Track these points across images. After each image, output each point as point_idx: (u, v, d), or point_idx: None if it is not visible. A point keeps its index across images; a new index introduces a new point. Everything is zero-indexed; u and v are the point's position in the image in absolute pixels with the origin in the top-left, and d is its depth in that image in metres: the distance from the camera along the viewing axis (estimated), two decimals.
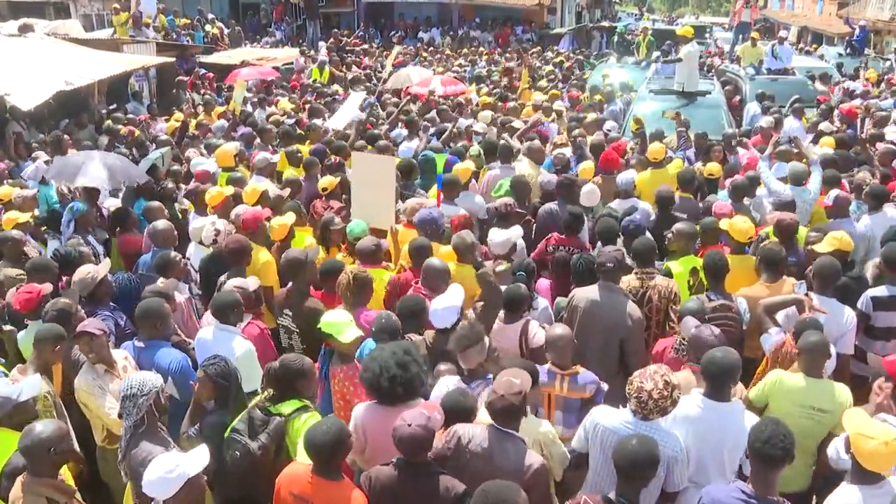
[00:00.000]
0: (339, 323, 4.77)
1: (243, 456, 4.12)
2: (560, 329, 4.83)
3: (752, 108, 13.72)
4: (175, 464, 3.45)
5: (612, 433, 4.04)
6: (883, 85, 17.48)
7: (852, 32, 26.25)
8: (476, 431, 3.93)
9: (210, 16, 27.08)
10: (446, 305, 4.99)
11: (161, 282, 5.80)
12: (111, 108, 14.21)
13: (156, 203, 7.34)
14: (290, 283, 5.89)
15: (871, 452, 3.56)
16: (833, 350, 4.84)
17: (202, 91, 16.34)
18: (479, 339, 4.55)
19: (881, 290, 5.75)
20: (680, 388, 4.00)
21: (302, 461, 3.89)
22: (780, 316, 5.32)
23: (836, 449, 4.01)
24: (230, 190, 7.53)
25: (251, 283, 5.71)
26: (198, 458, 3.54)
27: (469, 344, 4.52)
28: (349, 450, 3.81)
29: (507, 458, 3.81)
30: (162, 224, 6.61)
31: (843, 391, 4.52)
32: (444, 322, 4.94)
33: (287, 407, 4.29)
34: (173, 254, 6.22)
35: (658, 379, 3.93)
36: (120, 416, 4.10)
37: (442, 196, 7.66)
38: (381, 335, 4.80)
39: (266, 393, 4.34)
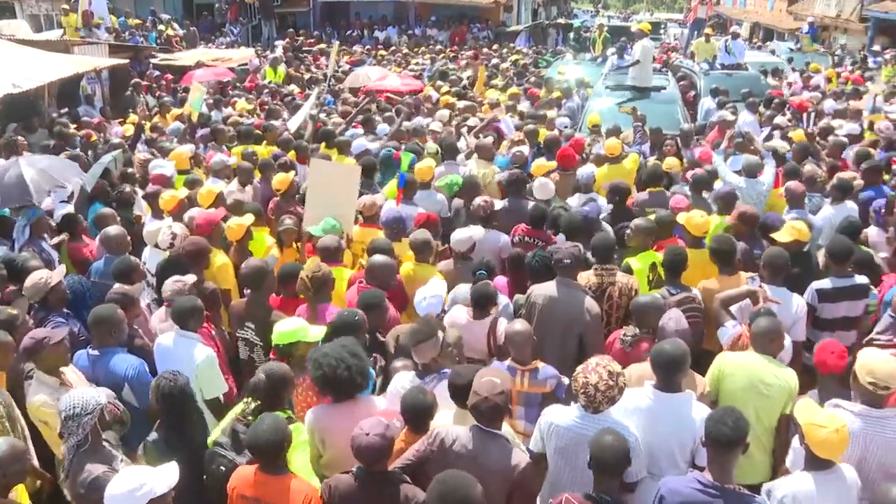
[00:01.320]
0: (297, 329, 4.73)
1: (229, 472, 3.97)
2: (519, 325, 4.86)
3: (707, 102, 13.92)
4: (142, 481, 3.34)
5: (566, 431, 4.08)
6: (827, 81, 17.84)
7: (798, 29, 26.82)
8: (459, 432, 3.91)
9: (165, 16, 26.69)
10: (432, 294, 5.06)
11: (120, 287, 5.67)
12: (63, 111, 13.92)
13: (107, 210, 7.20)
14: (248, 293, 5.83)
15: (822, 441, 3.66)
16: (788, 339, 4.95)
17: (157, 93, 16.13)
18: (432, 333, 4.56)
19: (826, 283, 5.86)
20: (623, 375, 4.06)
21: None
22: (733, 309, 5.40)
23: (792, 457, 4.12)
24: (185, 193, 7.43)
25: (189, 278, 5.64)
26: (166, 476, 3.44)
27: (423, 338, 4.53)
28: (290, 443, 3.79)
29: (492, 458, 3.81)
30: (114, 230, 6.48)
31: (789, 370, 4.62)
32: (430, 311, 5.00)
33: None
34: (134, 259, 6.12)
35: (601, 370, 3.99)
36: (61, 435, 3.95)
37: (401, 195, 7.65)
38: (336, 325, 4.81)
39: (246, 406, 4.23)
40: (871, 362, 4.07)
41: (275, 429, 3.71)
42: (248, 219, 6.64)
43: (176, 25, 25.85)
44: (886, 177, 8.35)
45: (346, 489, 3.72)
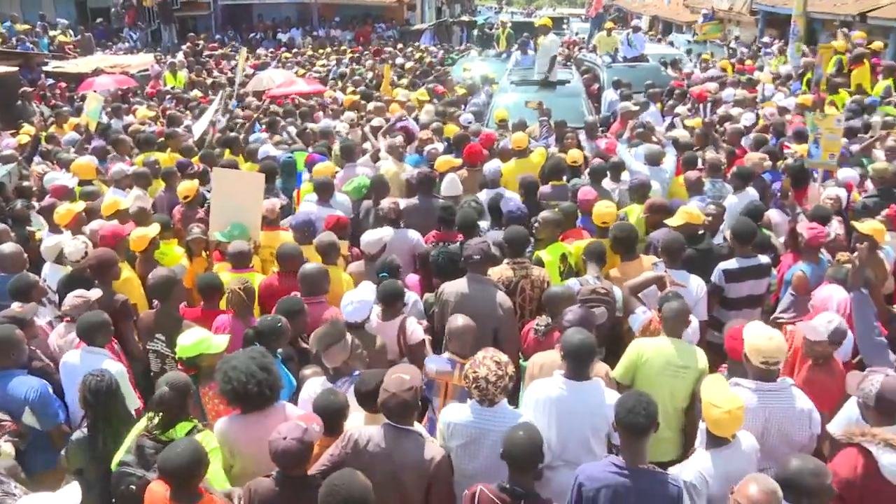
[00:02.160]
0: (199, 342, 4.61)
1: (140, 489, 3.81)
2: (462, 320, 4.88)
3: (609, 94, 14.19)
4: None
5: (464, 428, 4.13)
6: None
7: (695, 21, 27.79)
8: (372, 432, 3.92)
9: (64, 21, 25.57)
10: (359, 299, 5.02)
11: (18, 306, 5.42)
12: None
13: (1, 226, 6.88)
14: (157, 304, 5.68)
15: (716, 420, 3.84)
16: (695, 320, 5.13)
17: (51, 102, 15.49)
18: (340, 336, 4.56)
19: (732, 263, 6.09)
20: (510, 363, 4.17)
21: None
22: (641, 295, 5.55)
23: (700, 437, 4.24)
24: (81, 206, 7.17)
25: (93, 293, 5.47)
26: (68, 500, 3.30)
27: (331, 342, 4.53)
28: (207, 468, 3.66)
29: (407, 454, 3.83)
30: (9, 248, 6.19)
31: (700, 352, 4.84)
32: (357, 316, 4.99)
33: (180, 430, 4.05)
34: (32, 276, 5.86)
35: (488, 362, 4.07)
36: None
37: (317, 198, 7.57)
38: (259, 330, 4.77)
39: (150, 421, 4.09)
40: (758, 344, 4.25)
41: (191, 451, 3.54)
42: (154, 229, 6.46)
43: (71, 32, 24.84)
44: (780, 161, 8.74)
45: (265, 493, 3.68)
